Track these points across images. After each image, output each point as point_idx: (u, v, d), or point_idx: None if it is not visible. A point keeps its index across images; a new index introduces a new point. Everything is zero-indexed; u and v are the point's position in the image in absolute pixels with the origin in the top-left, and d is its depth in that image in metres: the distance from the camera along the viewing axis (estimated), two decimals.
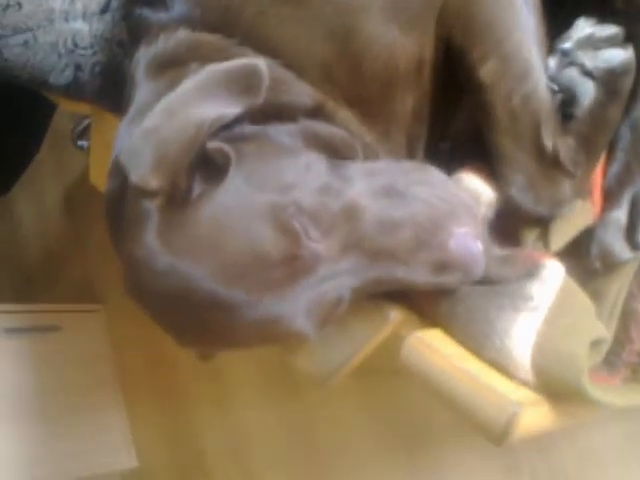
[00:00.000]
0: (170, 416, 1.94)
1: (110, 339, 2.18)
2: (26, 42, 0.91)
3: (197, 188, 0.58)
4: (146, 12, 0.73)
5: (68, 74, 0.94)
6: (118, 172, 0.61)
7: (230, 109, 0.59)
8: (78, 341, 2.14)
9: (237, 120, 0.60)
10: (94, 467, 1.89)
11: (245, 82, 0.59)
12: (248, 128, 0.61)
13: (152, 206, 0.57)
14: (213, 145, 0.59)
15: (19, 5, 0.89)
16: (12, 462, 1.72)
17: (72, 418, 1.93)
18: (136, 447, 2.00)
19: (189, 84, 0.60)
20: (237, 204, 0.57)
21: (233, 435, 1.73)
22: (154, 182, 0.56)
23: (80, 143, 2.03)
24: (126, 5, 0.80)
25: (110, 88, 0.96)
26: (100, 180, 1.09)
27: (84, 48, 0.93)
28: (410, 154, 0.70)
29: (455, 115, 0.69)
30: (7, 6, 0.89)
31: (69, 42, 0.92)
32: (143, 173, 0.56)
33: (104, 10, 0.92)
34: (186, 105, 0.58)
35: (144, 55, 0.71)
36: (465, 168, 0.67)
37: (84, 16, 0.92)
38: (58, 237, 2.52)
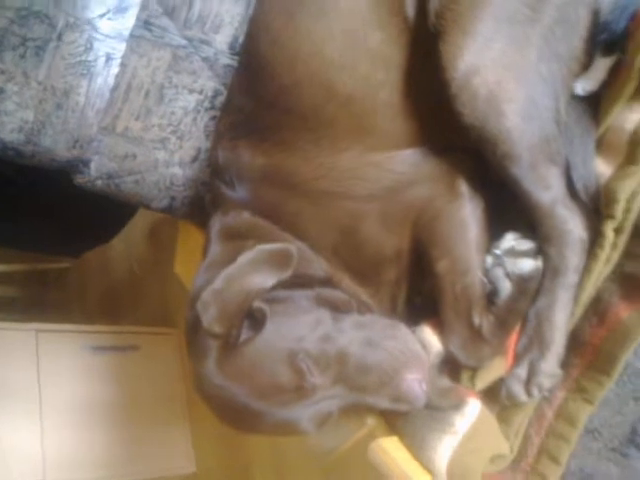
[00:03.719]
0: (226, 430, 2.27)
1: (181, 360, 2.45)
2: (136, 181, 1.27)
3: (244, 334, 0.91)
4: (221, 185, 1.08)
5: (165, 202, 1.30)
6: (194, 307, 0.94)
7: (269, 281, 0.91)
8: (153, 360, 2.42)
9: (273, 286, 0.93)
10: (158, 471, 2.21)
11: (280, 261, 0.92)
12: (280, 293, 0.94)
13: (213, 343, 0.90)
14: (257, 305, 0.91)
15: (134, 156, 1.25)
16: (88, 462, 2.06)
17: (143, 427, 2.24)
18: (196, 455, 2.31)
19: (245, 258, 0.91)
20: (267, 349, 0.89)
21: (277, 455, 2.04)
22: (217, 329, 0.89)
23: None
24: (210, 170, 1.14)
25: (195, 213, 1.31)
26: (182, 270, 1.45)
27: (178, 186, 1.28)
28: (393, 306, 1.01)
29: (424, 282, 0.99)
30: (126, 156, 1.25)
31: (167, 182, 1.28)
32: (210, 321, 0.89)
33: (194, 160, 1.27)
34: (241, 276, 0.91)
35: (219, 221, 1.06)
36: (428, 320, 0.97)
37: (180, 164, 1.27)
38: (143, 265, 2.89)
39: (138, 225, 2.76)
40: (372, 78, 0.94)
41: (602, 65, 0.87)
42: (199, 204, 1.26)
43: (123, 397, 2.28)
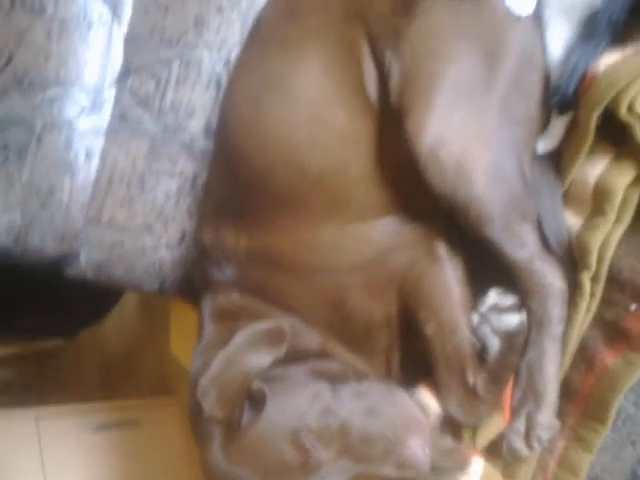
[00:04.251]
0: None
1: (183, 428, 2.48)
2: (126, 269, 1.30)
3: (246, 415, 0.92)
4: (209, 266, 1.10)
5: (156, 285, 1.33)
6: (194, 392, 0.96)
7: (266, 360, 0.93)
8: (155, 433, 2.37)
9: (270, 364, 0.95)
10: None
11: (274, 339, 0.94)
12: (276, 370, 0.95)
13: (217, 428, 0.92)
14: (255, 386, 0.93)
15: (121, 244, 1.29)
16: None
17: None
18: None
19: (239, 340, 0.94)
20: (270, 430, 0.91)
21: None
22: (218, 414, 0.90)
23: None
24: (197, 252, 1.17)
25: (186, 292, 1.34)
26: (178, 350, 1.47)
27: (167, 269, 1.31)
28: (388, 370, 1.03)
29: (416, 344, 1.01)
30: (114, 245, 1.29)
31: (156, 266, 1.31)
32: (211, 407, 0.90)
33: (180, 242, 1.30)
34: (237, 358, 0.92)
35: (210, 302, 1.08)
36: (424, 382, 1.00)
37: (167, 247, 1.30)
38: (136, 336, 2.89)
39: (130, 296, 2.79)
40: (342, 156, 0.98)
41: (559, 124, 0.91)
42: (189, 284, 1.29)
43: (129, 475, 2.26)
